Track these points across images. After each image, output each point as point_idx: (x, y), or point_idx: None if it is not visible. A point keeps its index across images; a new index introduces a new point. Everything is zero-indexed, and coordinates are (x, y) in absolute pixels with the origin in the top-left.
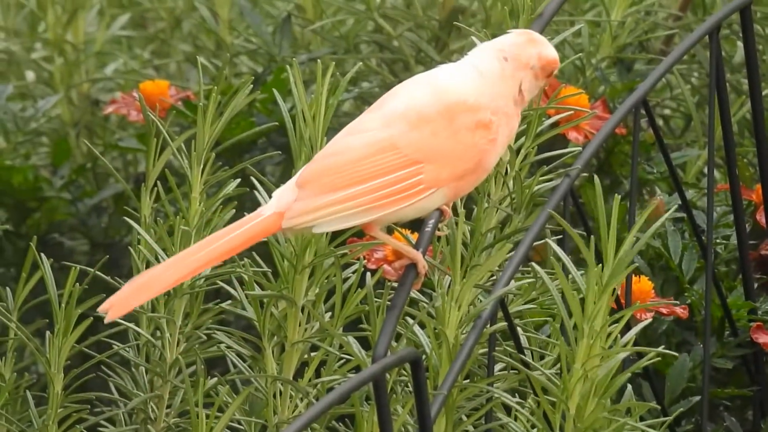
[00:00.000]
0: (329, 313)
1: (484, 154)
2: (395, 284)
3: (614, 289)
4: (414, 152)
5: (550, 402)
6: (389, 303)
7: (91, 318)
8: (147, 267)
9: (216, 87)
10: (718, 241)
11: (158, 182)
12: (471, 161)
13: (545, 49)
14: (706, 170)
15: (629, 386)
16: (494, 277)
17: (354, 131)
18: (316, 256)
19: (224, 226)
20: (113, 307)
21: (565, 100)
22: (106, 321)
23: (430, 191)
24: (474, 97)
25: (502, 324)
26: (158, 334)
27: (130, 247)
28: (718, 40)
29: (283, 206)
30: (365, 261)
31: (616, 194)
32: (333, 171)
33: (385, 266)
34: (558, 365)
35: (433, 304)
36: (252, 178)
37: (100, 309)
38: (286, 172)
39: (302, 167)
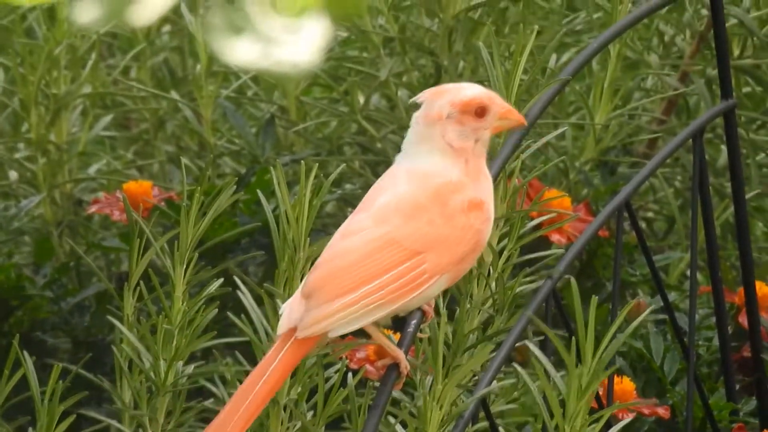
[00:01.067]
0: (311, 412)
1: (481, 234)
2: (377, 384)
3: (594, 389)
4: (413, 243)
5: None
6: (371, 403)
7: (74, 415)
8: (130, 365)
9: (199, 187)
10: (700, 342)
11: (141, 281)
12: (469, 244)
13: (456, 94)
14: (688, 273)
15: None
16: (476, 377)
17: (348, 234)
18: None
19: (206, 325)
20: None
21: (548, 203)
22: None
23: (434, 279)
24: (452, 174)
25: (484, 423)
26: (140, 431)
27: (113, 346)
28: (701, 144)
29: (294, 320)
30: (347, 361)
31: (594, 296)
32: (337, 275)
33: (367, 366)
34: None
35: (415, 403)
36: (235, 278)
37: None
38: (269, 272)
39: (305, 276)
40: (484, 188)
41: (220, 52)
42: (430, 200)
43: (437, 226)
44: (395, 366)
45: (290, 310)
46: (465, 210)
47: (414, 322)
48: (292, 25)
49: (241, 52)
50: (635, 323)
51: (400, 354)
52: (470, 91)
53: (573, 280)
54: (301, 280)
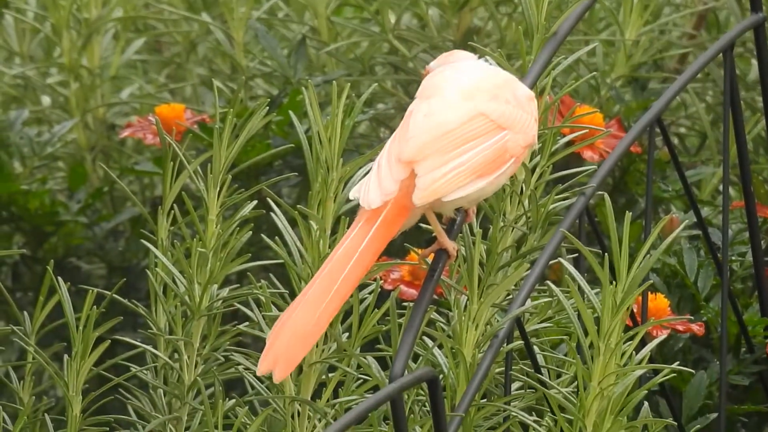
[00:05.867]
0: (346, 334)
1: (536, 125)
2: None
3: (629, 306)
4: (499, 118)
5: (567, 420)
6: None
7: (109, 341)
8: (164, 290)
9: (231, 110)
10: (733, 258)
11: (175, 205)
12: (533, 131)
13: None
14: (721, 188)
15: (646, 404)
16: (510, 297)
17: (433, 112)
18: None
19: (240, 248)
20: (279, 365)
21: (579, 119)
22: (275, 380)
23: (512, 160)
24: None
25: (519, 343)
26: (176, 356)
27: (147, 270)
28: (732, 58)
29: (393, 190)
30: (382, 281)
31: (627, 212)
32: (442, 140)
33: (402, 287)
34: (574, 383)
35: (451, 324)
36: (268, 200)
37: (262, 371)
38: (302, 194)
39: (399, 146)
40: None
41: None
42: (505, 83)
43: (513, 106)
44: (444, 251)
45: (380, 181)
46: (529, 99)
47: (458, 219)
48: None
49: None
50: (669, 240)
51: (448, 241)
52: None
53: (606, 197)
54: (334, 201)
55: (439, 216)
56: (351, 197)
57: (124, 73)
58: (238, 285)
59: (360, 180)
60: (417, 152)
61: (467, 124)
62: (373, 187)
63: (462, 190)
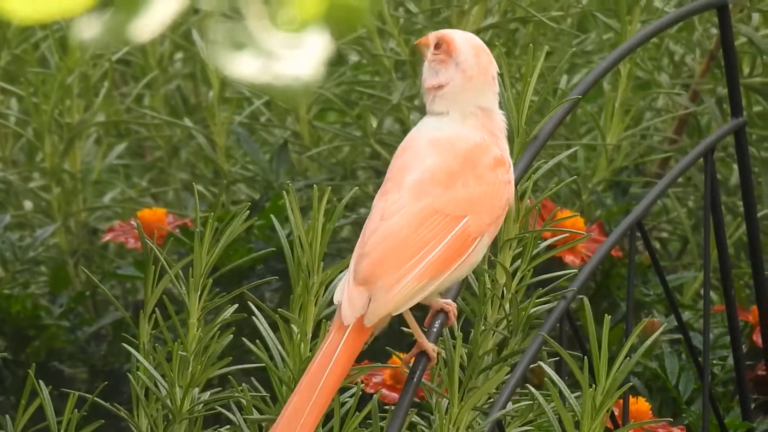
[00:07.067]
0: None
1: (510, 185)
2: (394, 407)
3: (608, 409)
4: (454, 209)
5: None
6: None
7: None
8: (146, 393)
9: (213, 214)
10: (715, 362)
11: (156, 309)
12: (503, 198)
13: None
14: (702, 292)
15: None
16: (492, 400)
17: (388, 215)
18: None
19: (222, 351)
20: None
21: (561, 223)
22: None
23: (478, 240)
24: (478, 137)
25: None
26: None
27: (129, 374)
28: (712, 162)
29: (360, 309)
30: (363, 385)
31: (607, 315)
32: (392, 256)
33: (384, 390)
34: None
35: (432, 426)
36: (250, 304)
37: None
38: (284, 298)
39: (355, 264)
40: (502, 144)
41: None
42: (461, 165)
43: (471, 187)
44: (424, 354)
45: (349, 299)
46: (492, 167)
47: (438, 322)
48: (294, 39)
49: (243, 67)
50: (648, 342)
51: (428, 344)
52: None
53: (586, 301)
54: (315, 305)
55: (424, 310)
56: (335, 301)
57: (107, 177)
58: (220, 388)
59: (341, 278)
60: (370, 274)
61: (422, 227)
62: (345, 304)
63: (413, 300)
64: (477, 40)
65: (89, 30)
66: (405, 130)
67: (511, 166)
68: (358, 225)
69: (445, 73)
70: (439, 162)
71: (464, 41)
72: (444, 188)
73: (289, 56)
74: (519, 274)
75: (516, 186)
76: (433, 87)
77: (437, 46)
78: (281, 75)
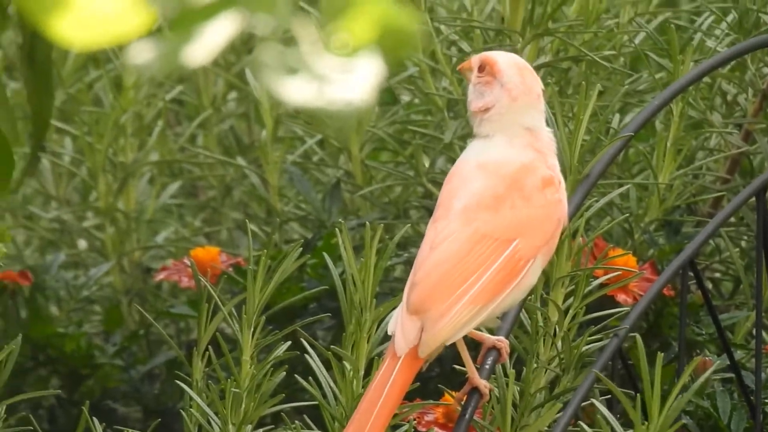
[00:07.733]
0: None
1: (561, 205)
2: None
3: None
4: (504, 233)
5: None
6: None
7: None
8: (199, 431)
9: (266, 252)
10: (766, 401)
11: (210, 347)
12: (554, 219)
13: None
14: (754, 331)
15: None
16: None
17: (437, 243)
18: None
19: (274, 389)
20: None
21: (612, 261)
22: None
23: (530, 263)
24: (525, 157)
25: None
26: None
27: (182, 411)
28: (764, 201)
29: (412, 340)
30: (416, 423)
31: (660, 353)
32: (442, 285)
33: (435, 429)
34: None
35: None
36: (303, 341)
37: None
38: (337, 336)
39: (408, 294)
40: (551, 162)
41: (273, 92)
42: (508, 188)
43: (519, 209)
44: (476, 391)
45: (402, 330)
46: (540, 188)
47: (491, 359)
48: (346, 64)
49: (296, 92)
50: (700, 380)
51: (480, 381)
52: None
53: (639, 338)
54: (368, 342)
55: (477, 348)
56: (389, 332)
57: (160, 216)
58: (273, 426)
59: (396, 312)
60: (420, 304)
61: (471, 254)
62: (398, 335)
63: (465, 328)
64: (520, 60)
65: (143, 55)
66: None
67: (562, 182)
68: (410, 263)
69: (491, 94)
70: (486, 186)
71: (508, 62)
72: (491, 212)
73: (341, 81)
74: (571, 312)
75: (569, 222)
76: (479, 110)
77: (481, 68)
78: (334, 99)
